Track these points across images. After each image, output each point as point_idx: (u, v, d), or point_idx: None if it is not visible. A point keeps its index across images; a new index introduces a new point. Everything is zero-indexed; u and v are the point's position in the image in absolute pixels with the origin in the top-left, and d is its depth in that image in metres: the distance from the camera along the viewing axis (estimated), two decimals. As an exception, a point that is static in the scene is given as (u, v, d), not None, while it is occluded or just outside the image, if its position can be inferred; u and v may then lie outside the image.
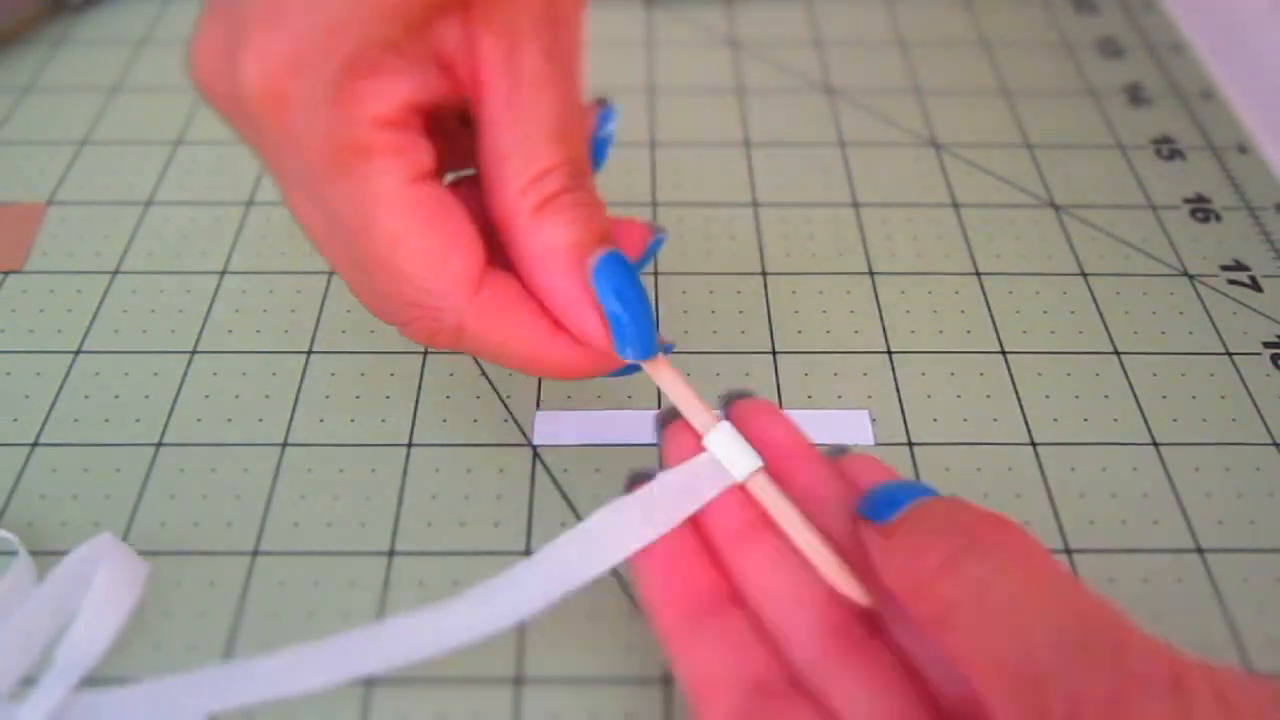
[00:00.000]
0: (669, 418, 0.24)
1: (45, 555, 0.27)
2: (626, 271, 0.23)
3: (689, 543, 0.23)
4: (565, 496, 0.28)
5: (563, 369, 0.24)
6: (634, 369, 0.24)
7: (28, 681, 0.24)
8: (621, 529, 0.23)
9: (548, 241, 0.22)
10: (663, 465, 0.24)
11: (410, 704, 0.24)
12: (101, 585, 0.25)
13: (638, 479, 0.23)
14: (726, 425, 0.23)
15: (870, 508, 0.22)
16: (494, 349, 0.23)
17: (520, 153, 0.22)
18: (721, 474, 0.23)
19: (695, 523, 0.23)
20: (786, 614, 0.22)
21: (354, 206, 0.21)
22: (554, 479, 0.28)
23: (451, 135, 0.24)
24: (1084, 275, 0.34)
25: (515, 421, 0.30)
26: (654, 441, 0.26)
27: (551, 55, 0.22)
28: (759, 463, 0.23)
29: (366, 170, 0.21)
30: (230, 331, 0.32)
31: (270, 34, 0.20)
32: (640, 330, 0.23)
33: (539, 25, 0.22)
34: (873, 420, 0.30)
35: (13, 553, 0.26)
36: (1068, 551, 0.27)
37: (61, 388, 0.31)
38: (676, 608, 0.22)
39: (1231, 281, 0.34)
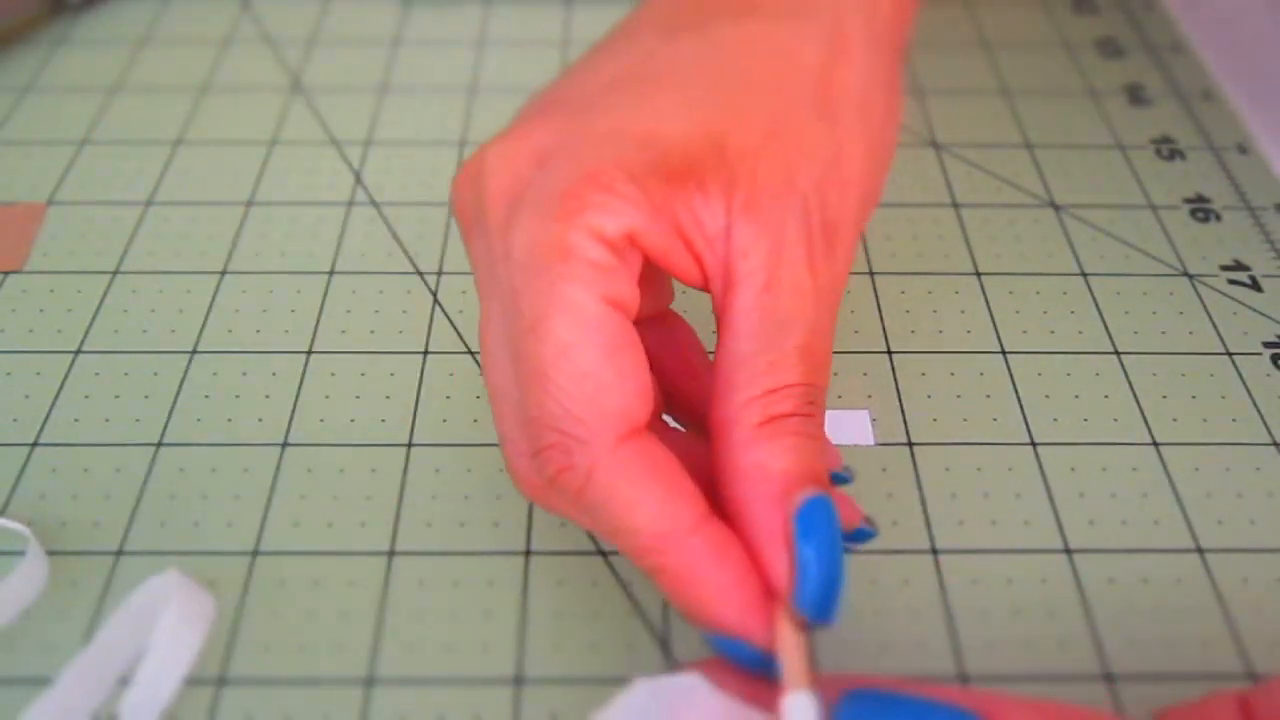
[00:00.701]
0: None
1: (45, 555, 0.27)
2: (832, 522, 0.21)
3: None
4: (565, 496, 0.28)
5: (675, 582, 0.21)
6: (756, 661, 0.21)
7: None
8: None
9: (762, 461, 0.21)
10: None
11: (410, 704, 0.24)
12: (169, 623, 0.25)
13: None
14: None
15: None
16: (618, 513, 0.21)
17: (760, 361, 0.21)
18: None
19: None
20: None
21: (537, 303, 0.20)
22: (554, 479, 0.28)
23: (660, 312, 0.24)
24: (1084, 275, 0.34)
25: (515, 421, 0.30)
26: None
27: (815, 270, 0.22)
28: None
29: (563, 270, 0.20)
30: (230, 331, 0.32)
31: (527, 131, 0.21)
32: (825, 589, 0.20)
33: (810, 234, 0.22)
34: (873, 420, 0.30)
35: (19, 552, 0.26)
36: (1068, 551, 0.27)
37: (61, 388, 0.31)
38: None
39: (1231, 281, 0.34)
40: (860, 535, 0.24)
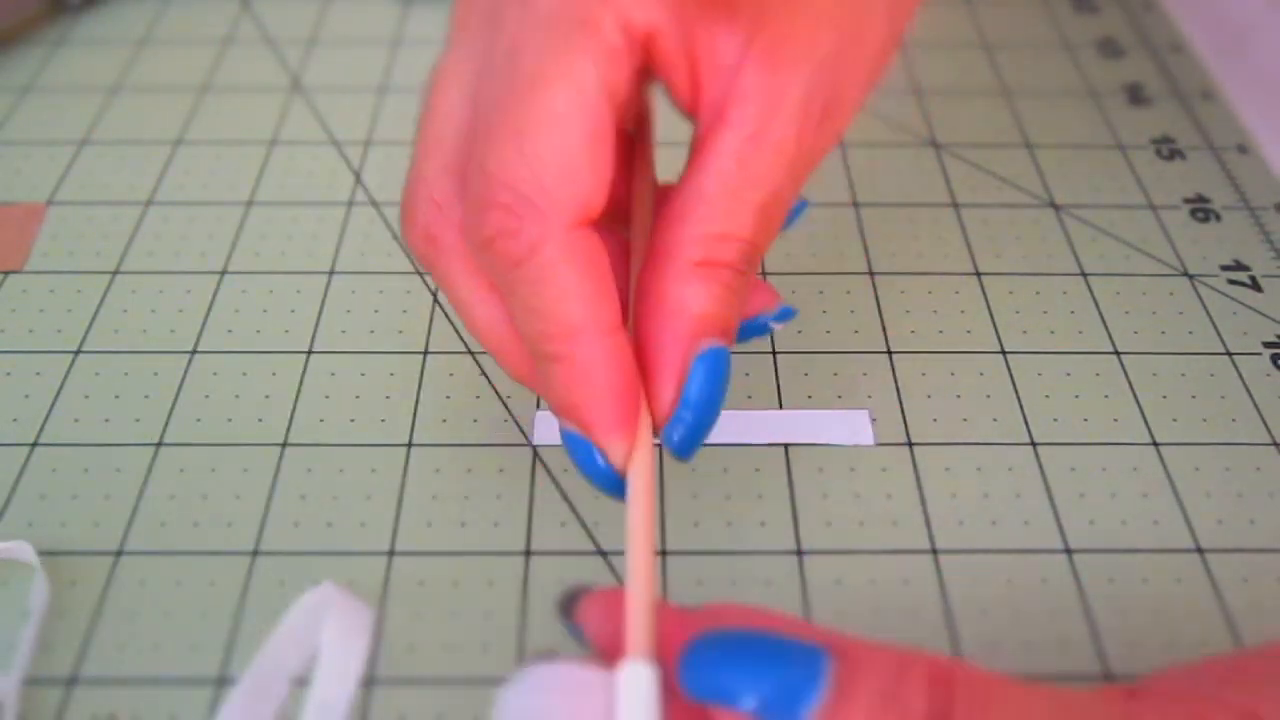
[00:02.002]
0: (573, 601, 0.21)
1: (45, 555, 0.27)
2: (725, 375, 0.22)
3: None
4: (565, 496, 0.28)
5: (569, 374, 0.21)
6: (607, 481, 0.22)
7: None
8: None
9: (685, 298, 0.21)
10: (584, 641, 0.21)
11: (410, 704, 0.24)
12: (335, 632, 0.24)
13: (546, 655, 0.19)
14: (651, 675, 0.18)
15: (752, 698, 0.17)
16: (548, 295, 0.21)
17: (720, 204, 0.21)
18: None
19: None
20: None
21: (542, 62, 0.20)
22: (554, 479, 0.28)
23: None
24: (1084, 275, 0.34)
25: (515, 421, 0.30)
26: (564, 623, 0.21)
27: (802, 139, 0.22)
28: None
29: (581, 41, 0.20)
30: (230, 331, 0.32)
31: None
32: (696, 431, 0.21)
33: (810, 103, 0.22)
34: (873, 420, 0.30)
35: (29, 563, 0.26)
36: (1068, 551, 0.27)
37: (61, 388, 0.31)
38: None
39: (1231, 281, 0.34)
40: (783, 315, 0.25)
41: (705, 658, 0.18)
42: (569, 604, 0.21)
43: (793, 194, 0.23)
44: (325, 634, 0.24)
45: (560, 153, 0.20)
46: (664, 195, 0.24)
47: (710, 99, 0.22)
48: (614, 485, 0.22)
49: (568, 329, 0.21)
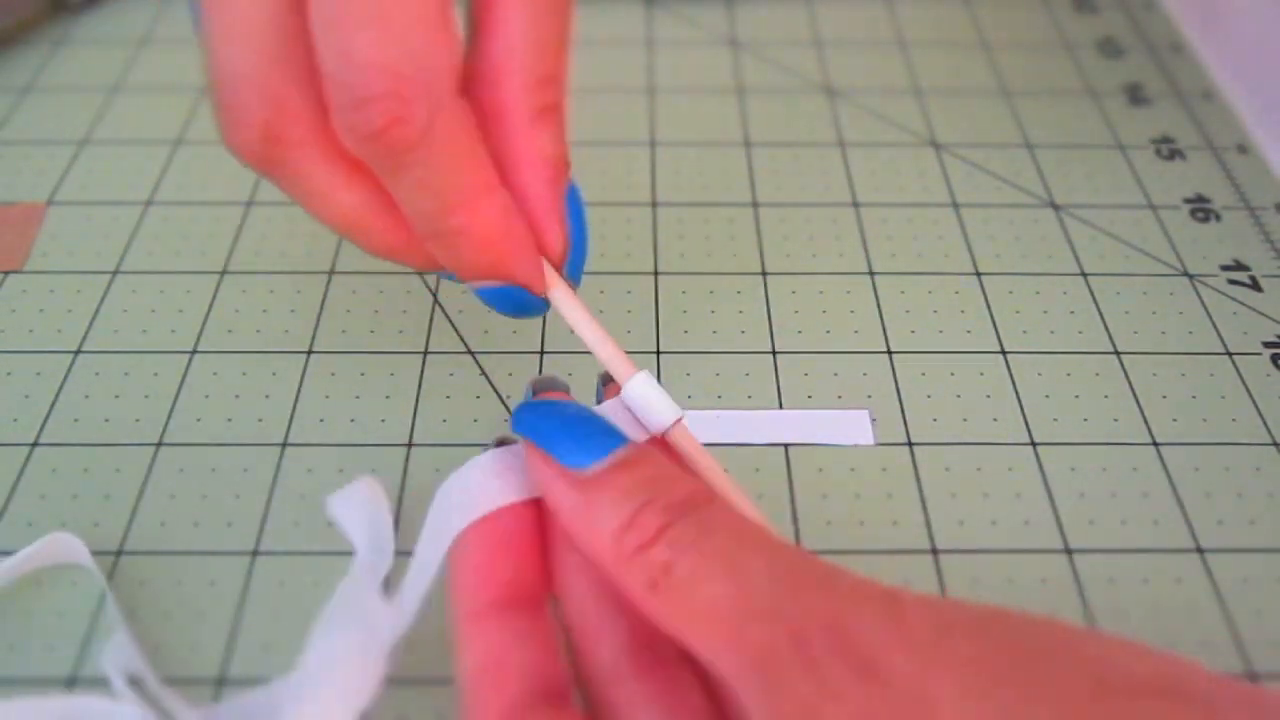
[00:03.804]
0: (548, 386, 0.23)
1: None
2: (582, 202, 0.24)
3: (525, 524, 0.22)
4: (565, 496, 0.28)
5: (478, 239, 0.22)
6: (537, 305, 0.24)
7: None
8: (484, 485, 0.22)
9: (542, 147, 0.22)
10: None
11: (410, 703, 0.24)
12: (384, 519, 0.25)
13: (542, 387, 0.23)
14: (646, 374, 0.23)
15: (555, 443, 0.20)
16: (450, 167, 0.21)
17: (534, 51, 0.22)
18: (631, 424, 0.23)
19: (538, 505, 0.22)
20: (603, 619, 0.20)
21: None
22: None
23: None
24: (1084, 275, 0.34)
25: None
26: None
27: None
28: (680, 412, 0.23)
29: None
30: (230, 331, 0.32)
31: None
32: (582, 256, 0.24)
33: None
34: (873, 420, 0.30)
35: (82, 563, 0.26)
36: (1068, 551, 0.27)
37: (61, 388, 0.31)
38: (490, 593, 0.21)
39: (1231, 281, 0.34)
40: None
41: (537, 409, 0.21)
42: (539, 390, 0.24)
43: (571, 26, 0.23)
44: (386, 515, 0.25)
45: (426, 27, 0.20)
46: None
47: None
48: (541, 306, 0.24)
49: (469, 197, 0.22)
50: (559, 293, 0.24)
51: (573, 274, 0.24)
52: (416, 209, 0.22)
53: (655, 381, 0.23)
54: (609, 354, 0.24)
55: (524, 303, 0.24)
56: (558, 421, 0.21)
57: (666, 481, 0.20)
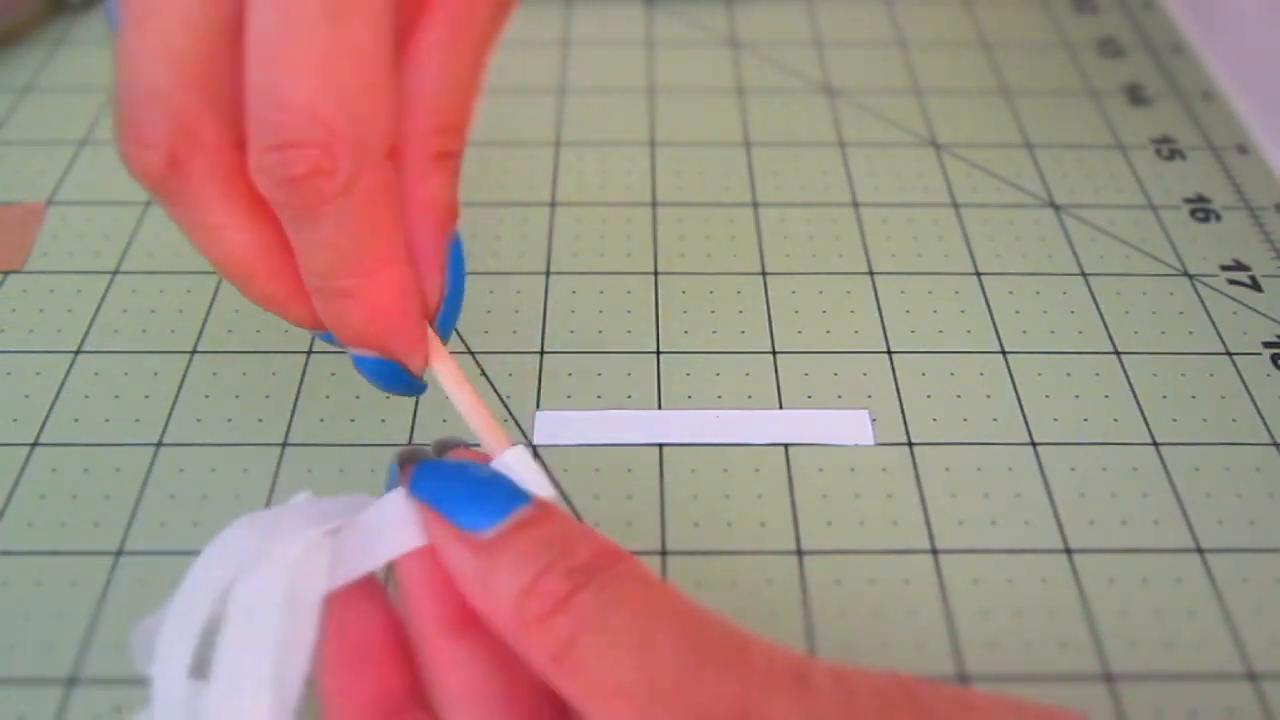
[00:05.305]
0: (451, 445, 0.22)
1: (45, 555, 0.27)
2: (463, 255, 0.23)
3: (390, 624, 0.20)
4: (565, 496, 0.28)
5: (369, 307, 0.21)
6: (410, 386, 0.23)
7: None
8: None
9: (435, 193, 0.22)
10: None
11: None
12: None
13: (407, 459, 0.21)
14: (522, 449, 0.21)
15: (452, 505, 0.19)
16: (363, 231, 0.20)
17: (445, 96, 0.22)
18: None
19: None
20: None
21: None
22: (554, 479, 0.28)
23: None
24: (1084, 275, 0.34)
25: (515, 421, 0.30)
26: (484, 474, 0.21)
27: (488, 26, 0.22)
28: (553, 493, 0.20)
29: None
30: (230, 331, 0.32)
31: None
32: (456, 311, 0.23)
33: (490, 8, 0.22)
34: (873, 420, 0.30)
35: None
36: (1068, 551, 0.27)
37: (61, 388, 0.31)
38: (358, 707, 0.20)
39: (1231, 281, 0.34)
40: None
41: (425, 471, 0.20)
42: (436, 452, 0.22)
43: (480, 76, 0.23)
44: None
45: (370, 86, 0.19)
46: None
47: None
48: (416, 387, 0.23)
49: (372, 264, 0.21)
50: (442, 367, 0.23)
51: (443, 328, 0.23)
52: (314, 263, 0.21)
53: (530, 459, 0.21)
54: (484, 423, 0.22)
55: (401, 380, 0.23)
56: (456, 483, 0.20)
57: (569, 542, 0.19)
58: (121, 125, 0.21)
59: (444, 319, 0.23)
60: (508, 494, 0.19)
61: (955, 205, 0.37)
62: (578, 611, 0.18)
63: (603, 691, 0.17)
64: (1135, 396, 0.31)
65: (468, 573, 0.19)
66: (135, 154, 0.21)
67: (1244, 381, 0.31)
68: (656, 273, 0.34)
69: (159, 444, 0.29)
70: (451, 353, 0.32)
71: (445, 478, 0.20)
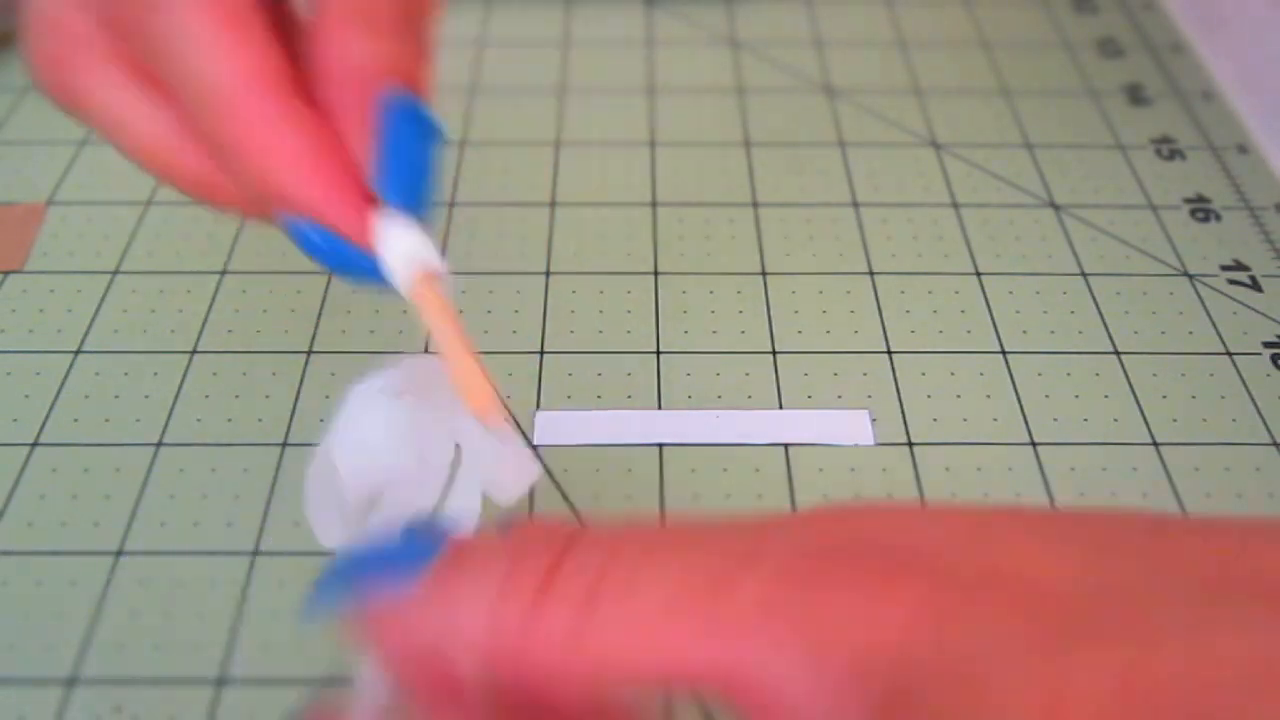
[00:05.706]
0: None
1: (45, 555, 0.27)
2: (418, 119, 0.20)
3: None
4: (565, 496, 0.28)
5: (256, 150, 0.19)
6: (349, 261, 0.20)
7: None
8: None
9: (348, 51, 0.19)
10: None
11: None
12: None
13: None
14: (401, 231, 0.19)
15: (376, 573, 0.17)
16: (190, 48, 0.19)
17: None
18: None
19: None
20: None
21: None
22: (554, 479, 0.28)
23: None
24: (1084, 275, 0.34)
25: (515, 421, 0.30)
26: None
27: None
28: (441, 265, 0.19)
29: None
30: (230, 331, 0.32)
31: None
32: (405, 177, 0.19)
33: None
34: (873, 420, 0.30)
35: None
36: (1068, 551, 0.27)
37: (61, 388, 0.31)
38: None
39: (1231, 281, 0.34)
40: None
41: (338, 566, 0.18)
42: None
43: None
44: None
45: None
46: None
47: None
48: (371, 271, 0.20)
49: (238, 88, 0.19)
50: (422, 291, 0.19)
51: (396, 197, 0.19)
52: (190, 103, 0.20)
53: (412, 234, 0.19)
54: (460, 366, 0.20)
55: (347, 258, 0.20)
56: (366, 557, 0.18)
57: (520, 534, 0.17)
58: (31, 55, 0.22)
59: (397, 189, 0.19)
60: (427, 535, 0.17)
61: (955, 205, 0.37)
62: (574, 571, 0.16)
63: (655, 617, 0.15)
64: (1135, 396, 0.31)
65: (421, 619, 0.17)
66: (37, 76, 0.22)
67: (1244, 381, 0.31)
68: (656, 273, 0.34)
69: (159, 444, 0.29)
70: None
71: (354, 561, 0.18)
